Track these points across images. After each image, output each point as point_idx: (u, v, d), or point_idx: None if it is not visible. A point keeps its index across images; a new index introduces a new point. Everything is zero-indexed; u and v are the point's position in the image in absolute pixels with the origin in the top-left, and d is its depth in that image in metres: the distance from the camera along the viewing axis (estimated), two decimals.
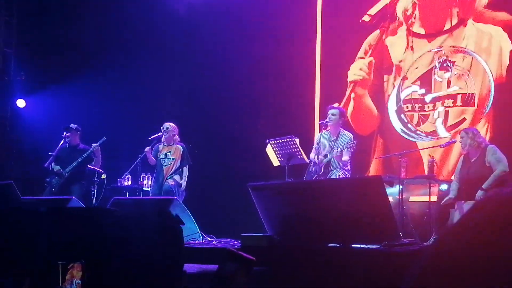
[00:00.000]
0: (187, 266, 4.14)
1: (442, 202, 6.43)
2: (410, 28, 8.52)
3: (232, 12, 9.02)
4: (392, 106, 8.54)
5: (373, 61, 8.70)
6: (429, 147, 7.77)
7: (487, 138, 7.30)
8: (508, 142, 7.03)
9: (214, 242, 5.75)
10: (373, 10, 8.72)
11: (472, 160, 6.43)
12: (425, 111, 8.30)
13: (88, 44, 9.85)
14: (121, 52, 9.68)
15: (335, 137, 6.88)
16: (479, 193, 6.06)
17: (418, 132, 8.30)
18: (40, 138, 9.18)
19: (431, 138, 8.18)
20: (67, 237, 3.14)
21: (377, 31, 8.73)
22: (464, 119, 7.98)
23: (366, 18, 8.74)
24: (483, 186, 6.08)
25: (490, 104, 7.86)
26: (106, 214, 3.79)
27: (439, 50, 8.23)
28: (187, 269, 3.82)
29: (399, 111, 8.47)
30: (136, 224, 3.03)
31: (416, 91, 8.36)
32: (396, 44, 8.60)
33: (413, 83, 8.40)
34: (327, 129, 6.98)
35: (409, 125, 8.36)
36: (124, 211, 4.70)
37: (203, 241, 5.81)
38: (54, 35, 9.97)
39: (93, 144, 7.78)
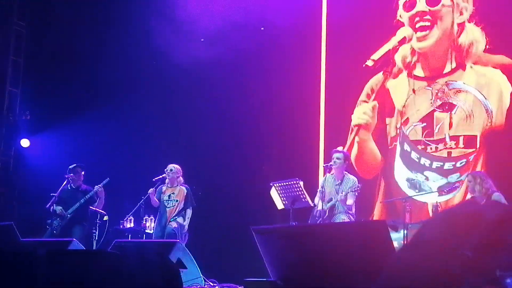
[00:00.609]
0: None
1: None
2: (412, 72, 8.61)
3: (236, 56, 9.09)
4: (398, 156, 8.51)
5: (377, 105, 8.73)
6: (433, 192, 7.71)
7: None
8: (506, 186, 6.98)
9: (217, 287, 5.64)
10: (376, 55, 8.79)
11: None
12: (428, 152, 8.27)
13: (94, 85, 9.93)
14: (126, 94, 9.74)
15: (339, 181, 6.88)
16: None
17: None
18: (43, 178, 9.14)
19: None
20: (64, 282, 3.07)
21: (379, 75, 8.79)
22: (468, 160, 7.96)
23: (369, 62, 8.79)
24: None
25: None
26: (106, 258, 3.70)
27: (439, 90, 8.26)
28: None
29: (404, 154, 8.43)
30: (136, 268, 2.96)
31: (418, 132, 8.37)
32: (397, 87, 8.68)
33: (415, 125, 8.42)
34: (331, 173, 6.95)
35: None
36: (125, 254, 4.62)
37: (205, 286, 5.70)
38: (60, 76, 10.07)
39: (96, 186, 7.74)
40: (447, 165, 8.13)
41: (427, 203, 8.00)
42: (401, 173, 8.43)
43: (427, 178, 8.20)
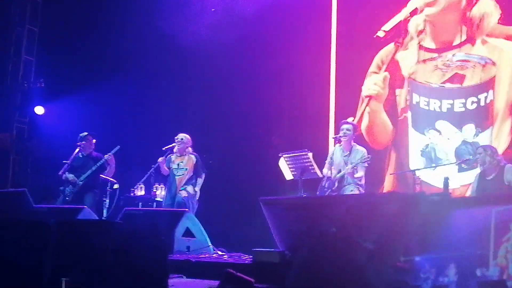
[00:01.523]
0: (195, 281, 4.11)
1: None
2: (421, 43, 8.52)
3: (247, 26, 9.03)
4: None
5: (388, 76, 8.68)
6: (444, 164, 7.68)
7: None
8: None
9: (225, 256, 5.72)
10: (387, 26, 8.74)
11: (489, 178, 6.35)
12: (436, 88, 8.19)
13: (107, 55, 9.93)
14: (139, 63, 9.73)
15: (348, 152, 6.88)
16: None
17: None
18: (56, 146, 9.24)
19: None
20: (73, 250, 3.15)
21: (389, 46, 8.74)
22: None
23: (380, 33, 8.76)
24: None
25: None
26: (113, 228, 3.78)
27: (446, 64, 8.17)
28: (195, 284, 3.81)
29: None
30: (129, 237, 3.03)
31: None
32: (406, 58, 8.61)
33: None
34: (340, 144, 6.95)
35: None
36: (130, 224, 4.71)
37: (214, 254, 5.78)
38: (74, 45, 10.15)
39: (107, 154, 7.79)
40: (458, 105, 7.97)
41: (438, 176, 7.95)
42: (414, 145, 8.35)
43: (440, 133, 8.08)
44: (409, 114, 8.45)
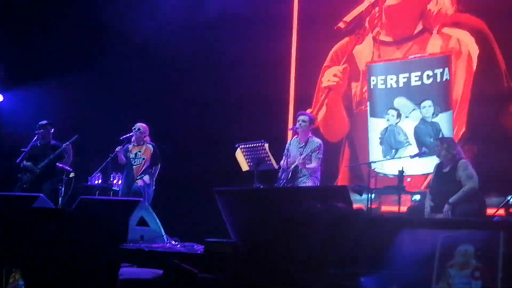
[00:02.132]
0: (145, 270, 4.12)
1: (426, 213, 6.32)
2: (377, 37, 8.60)
3: (204, 14, 9.02)
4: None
5: (348, 67, 8.77)
6: (399, 158, 7.77)
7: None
8: (479, 155, 7.06)
9: (178, 246, 5.72)
10: (348, 17, 8.81)
11: (445, 171, 6.35)
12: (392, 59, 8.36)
13: (67, 43, 9.85)
14: (99, 52, 9.69)
15: (304, 143, 6.87)
16: (446, 207, 6.04)
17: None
18: (15, 134, 9.16)
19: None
20: (17, 240, 3.12)
21: (347, 38, 8.83)
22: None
23: (341, 24, 8.83)
24: (450, 201, 6.04)
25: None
26: (64, 216, 3.77)
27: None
28: (143, 273, 3.82)
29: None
30: (81, 226, 3.02)
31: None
32: (363, 51, 8.70)
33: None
34: (297, 136, 6.98)
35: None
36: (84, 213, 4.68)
37: (167, 244, 5.77)
38: (35, 33, 9.97)
39: (65, 143, 7.77)
40: (414, 78, 8.04)
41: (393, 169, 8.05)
42: (374, 135, 8.40)
43: (399, 115, 8.13)
44: (368, 105, 8.52)
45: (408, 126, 8.09)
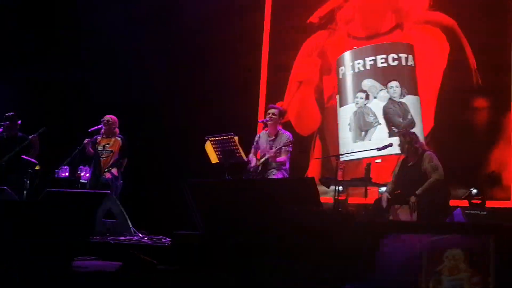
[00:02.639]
0: (105, 263, 4.07)
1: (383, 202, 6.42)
2: (349, 31, 8.64)
3: (176, 6, 8.96)
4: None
5: (319, 61, 8.80)
6: (365, 150, 7.84)
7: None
8: (446, 149, 7.15)
9: (146, 238, 5.69)
10: (321, 12, 8.83)
11: (409, 164, 6.46)
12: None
13: (34, 34, 9.67)
14: (66, 43, 9.52)
15: (273, 137, 6.89)
16: (412, 198, 6.12)
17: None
18: None
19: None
20: None
21: (320, 33, 8.85)
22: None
23: (314, 19, 8.84)
24: (416, 192, 6.13)
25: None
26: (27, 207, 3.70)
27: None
28: (101, 266, 3.77)
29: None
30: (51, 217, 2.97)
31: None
32: (335, 46, 8.71)
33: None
34: (266, 129, 6.99)
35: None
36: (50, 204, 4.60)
37: (135, 237, 5.74)
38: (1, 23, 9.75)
39: (31, 136, 7.63)
40: (380, 60, 8.16)
41: (362, 162, 8.10)
42: (343, 125, 8.41)
43: (367, 96, 8.18)
44: (337, 97, 8.56)
45: (376, 106, 8.16)
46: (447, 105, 7.74)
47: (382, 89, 8.13)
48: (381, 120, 8.07)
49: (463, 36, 7.76)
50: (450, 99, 7.72)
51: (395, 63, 8.11)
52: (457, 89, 7.69)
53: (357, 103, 8.30)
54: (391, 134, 7.91)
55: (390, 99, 8.06)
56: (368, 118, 8.19)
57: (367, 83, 8.24)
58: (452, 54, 7.78)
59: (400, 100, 8.00)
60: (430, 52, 7.96)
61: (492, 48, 7.51)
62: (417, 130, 7.57)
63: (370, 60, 8.27)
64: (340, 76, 8.56)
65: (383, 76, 8.14)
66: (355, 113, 8.29)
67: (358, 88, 8.31)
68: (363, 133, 8.18)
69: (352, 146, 8.15)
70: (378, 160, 7.71)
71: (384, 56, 8.18)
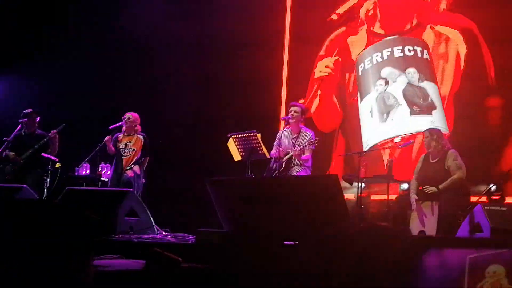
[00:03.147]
0: (129, 261, 4.02)
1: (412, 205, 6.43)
2: (371, 28, 8.65)
3: (199, 4, 8.93)
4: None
5: (339, 59, 8.77)
6: (388, 147, 7.88)
7: None
8: (464, 148, 7.13)
9: (169, 236, 5.64)
10: (341, 9, 8.82)
11: (433, 161, 6.52)
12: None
13: (52, 29, 9.66)
14: (86, 38, 9.51)
15: (296, 134, 6.91)
16: (433, 189, 6.21)
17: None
18: None
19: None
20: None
21: (340, 30, 8.88)
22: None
23: (334, 16, 8.85)
24: (440, 186, 6.22)
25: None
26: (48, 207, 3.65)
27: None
28: (131, 265, 3.71)
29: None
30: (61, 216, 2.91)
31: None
32: (356, 43, 8.74)
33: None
34: (288, 126, 6.97)
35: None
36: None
37: (158, 235, 5.69)
38: (16, 19, 9.77)
39: (51, 131, 7.59)
40: (396, 51, 8.32)
41: (383, 159, 8.08)
42: (365, 119, 8.43)
43: (386, 82, 8.26)
44: (358, 94, 8.59)
45: (396, 90, 8.26)
46: (464, 104, 7.89)
47: (400, 75, 8.23)
48: (402, 101, 8.14)
49: (481, 38, 7.92)
50: (467, 99, 7.88)
51: (411, 53, 8.28)
52: (474, 90, 7.87)
53: (377, 90, 8.37)
54: (412, 112, 8.04)
55: (409, 83, 8.18)
56: (388, 101, 8.26)
57: (386, 71, 8.36)
58: (470, 56, 7.94)
59: (419, 84, 8.11)
60: (448, 53, 8.09)
61: (509, 50, 7.68)
62: (438, 113, 7.84)
63: (387, 51, 8.40)
64: (360, 73, 8.60)
65: (401, 63, 8.30)
66: (376, 98, 8.36)
67: (378, 77, 8.40)
68: (384, 115, 8.26)
69: (375, 133, 8.25)
70: (397, 139, 7.93)
71: (400, 47, 8.34)
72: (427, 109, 7.96)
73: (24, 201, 5.19)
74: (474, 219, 5.45)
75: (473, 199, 6.34)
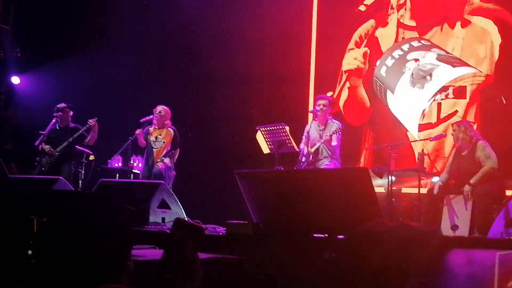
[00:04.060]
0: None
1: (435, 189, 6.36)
2: (401, 20, 8.51)
3: (229, 2, 8.97)
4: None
5: (368, 51, 8.68)
6: (419, 140, 7.76)
7: None
8: (494, 138, 7.01)
9: None
10: (369, 0, 8.71)
11: (463, 154, 6.44)
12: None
13: (84, 24, 9.79)
14: (118, 33, 9.61)
15: (323, 126, 6.87)
16: (466, 187, 6.09)
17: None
18: (33, 116, 9.15)
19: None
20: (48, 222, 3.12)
21: (369, 22, 8.75)
22: (456, 111, 7.93)
23: (362, 7, 8.75)
24: (471, 181, 6.09)
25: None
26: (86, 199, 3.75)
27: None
28: (159, 253, 3.79)
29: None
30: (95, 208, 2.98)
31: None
32: (385, 36, 8.59)
33: None
34: (316, 119, 6.96)
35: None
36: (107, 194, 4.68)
37: None
38: (51, 13, 9.93)
39: (89, 120, 7.73)
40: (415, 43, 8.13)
41: (414, 152, 8.00)
42: (399, 100, 8.28)
43: (416, 59, 8.06)
44: (386, 94, 8.38)
45: (429, 59, 8.00)
46: (497, 95, 7.64)
47: (427, 52, 8.03)
48: (440, 63, 7.90)
49: None
50: (502, 90, 7.61)
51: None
52: (509, 80, 7.57)
53: (409, 69, 8.09)
54: (455, 66, 7.78)
55: (439, 54, 7.97)
56: (425, 68, 7.98)
57: (412, 55, 8.13)
58: (504, 46, 7.68)
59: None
60: (481, 43, 7.87)
61: None
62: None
63: (407, 46, 8.25)
64: (385, 74, 8.41)
65: (426, 48, 8.09)
66: (412, 74, 8.05)
67: (405, 61, 8.16)
68: (428, 77, 7.93)
69: (421, 99, 7.98)
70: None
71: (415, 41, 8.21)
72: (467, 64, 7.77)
73: (63, 191, 5.34)
74: (510, 213, 5.27)
75: (509, 192, 6.24)
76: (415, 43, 8.21)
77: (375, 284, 0.98)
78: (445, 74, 7.77)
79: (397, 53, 8.31)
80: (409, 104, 8.12)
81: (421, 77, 8.00)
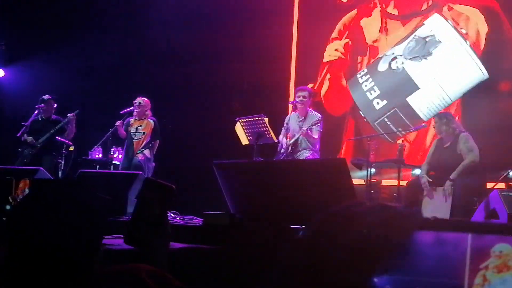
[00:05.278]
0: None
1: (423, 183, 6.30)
2: (385, 8, 8.44)
3: None
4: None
5: (349, 42, 8.66)
6: (398, 131, 7.74)
7: None
8: (476, 130, 7.01)
9: (178, 218, 5.73)
10: None
11: (445, 146, 6.35)
12: None
13: (67, 17, 9.78)
14: (99, 26, 9.60)
15: (303, 117, 6.85)
16: (447, 184, 6.02)
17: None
18: (16, 108, 9.14)
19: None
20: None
21: (353, 12, 8.68)
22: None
23: None
24: (451, 177, 6.02)
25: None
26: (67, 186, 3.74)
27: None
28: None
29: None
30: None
31: None
32: (370, 25, 8.54)
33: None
34: (296, 111, 6.96)
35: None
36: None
37: None
38: (35, 7, 9.88)
39: (69, 114, 7.75)
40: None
41: (397, 143, 7.97)
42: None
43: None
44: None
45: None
46: (484, 86, 7.54)
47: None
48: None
49: (504, 17, 7.54)
50: (487, 80, 7.52)
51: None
52: (494, 71, 7.49)
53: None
54: None
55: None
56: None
57: (398, 49, 8.04)
58: (491, 35, 7.57)
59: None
60: (468, 33, 7.76)
61: None
62: None
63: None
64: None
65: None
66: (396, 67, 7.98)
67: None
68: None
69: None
70: None
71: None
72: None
73: (42, 180, 5.34)
74: (490, 205, 5.26)
75: (490, 184, 6.19)
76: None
77: (349, 263, 0.98)
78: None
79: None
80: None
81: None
